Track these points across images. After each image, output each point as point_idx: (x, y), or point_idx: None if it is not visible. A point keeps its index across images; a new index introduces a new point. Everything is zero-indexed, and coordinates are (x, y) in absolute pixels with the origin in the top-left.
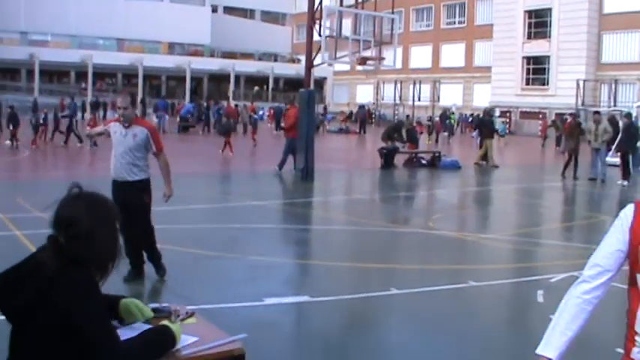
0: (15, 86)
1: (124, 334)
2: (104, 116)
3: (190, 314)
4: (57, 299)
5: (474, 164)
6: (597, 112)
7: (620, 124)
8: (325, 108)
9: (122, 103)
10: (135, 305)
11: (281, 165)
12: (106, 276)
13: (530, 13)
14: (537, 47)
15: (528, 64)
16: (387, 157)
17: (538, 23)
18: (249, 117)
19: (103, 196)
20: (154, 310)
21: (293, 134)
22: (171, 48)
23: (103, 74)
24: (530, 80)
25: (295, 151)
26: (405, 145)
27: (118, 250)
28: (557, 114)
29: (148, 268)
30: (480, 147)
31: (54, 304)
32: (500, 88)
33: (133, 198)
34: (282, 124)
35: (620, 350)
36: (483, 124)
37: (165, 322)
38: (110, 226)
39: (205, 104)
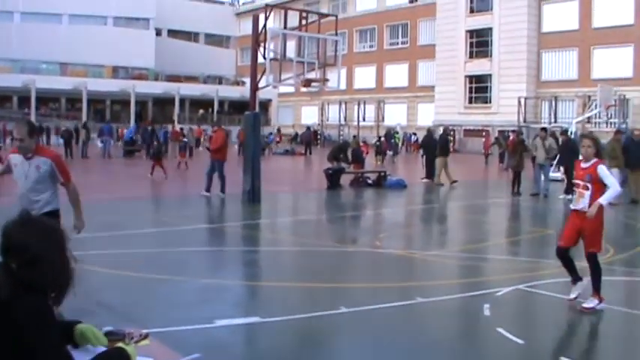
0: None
1: (79, 357)
2: (48, 141)
3: (144, 336)
4: (14, 324)
5: (435, 184)
6: (544, 129)
7: (560, 140)
8: (279, 130)
9: (18, 133)
10: (91, 332)
11: (208, 188)
12: (60, 301)
13: (472, 33)
14: (479, 66)
15: (471, 82)
16: (333, 178)
17: (479, 42)
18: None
19: (52, 221)
20: (109, 333)
21: (221, 157)
22: (115, 72)
23: (47, 99)
24: (473, 99)
25: (223, 175)
26: (350, 165)
27: (70, 274)
28: (499, 131)
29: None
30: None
31: (8, 329)
32: (444, 107)
33: None
34: (207, 146)
35: None
36: (439, 143)
37: (120, 345)
38: (61, 250)
39: (150, 128)
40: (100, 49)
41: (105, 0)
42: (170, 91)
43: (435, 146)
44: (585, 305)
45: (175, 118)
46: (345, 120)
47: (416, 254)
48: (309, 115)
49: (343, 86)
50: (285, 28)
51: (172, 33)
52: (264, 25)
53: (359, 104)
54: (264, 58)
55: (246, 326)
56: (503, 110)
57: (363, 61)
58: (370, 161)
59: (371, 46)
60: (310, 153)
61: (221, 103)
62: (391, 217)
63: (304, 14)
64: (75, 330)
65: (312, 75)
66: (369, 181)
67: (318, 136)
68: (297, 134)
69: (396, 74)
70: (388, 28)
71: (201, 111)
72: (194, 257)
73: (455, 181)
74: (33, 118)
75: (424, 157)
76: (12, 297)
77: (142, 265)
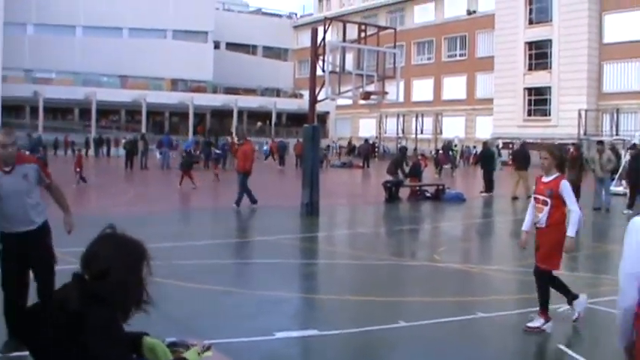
0: (19, 123)
1: None
2: (108, 153)
3: (207, 347)
4: (78, 336)
5: (512, 198)
6: (600, 142)
7: (623, 153)
8: (350, 142)
9: (8, 139)
10: (162, 348)
11: (249, 200)
12: (128, 316)
13: (531, 45)
14: (538, 78)
15: (530, 95)
16: (392, 191)
17: (539, 54)
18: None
19: (135, 239)
20: (172, 344)
21: (245, 169)
22: (175, 84)
23: (107, 111)
24: (532, 111)
25: (245, 188)
26: (407, 178)
27: (142, 292)
28: (559, 144)
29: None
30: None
31: (75, 340)
32: (503, 120)
33: (41, 246)
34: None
35: None
36: (518, 156)
37: (184, 355)
38: (136, 267)
39: (208, 140)
40: (160, 62)
41: (164, 14)
42: (228, 104)
43: (493, 159)
44: (530, 325)
45: (233, 130)
46: (403, 132)
47: (475, 268)
48: (367, 128)
49: (401, 99)
50: (343, 40)
51: (230, 46)
52: (323, 38)
53: (417, 117)
54: (323, 70)
55: (304, 339)
56: (563, 123)
57: (421, 73)
58: (428, 174)
59: (429, 59)
60: (368, 166)
61: (279, 115)
62: (450, 231)
63: (363, 27)
64: (143, 342)
65: (370, 87)
66: (428, 194)
67: (376, 149)
68: (354, 147)
69: (454, 86)
70: (446, 40)
71: (259, 123)
72: (254, 269)
73: (516, 198)
74: (93, 129)
75: (482, 170)
76: (82, 308)
77: (203, 276)
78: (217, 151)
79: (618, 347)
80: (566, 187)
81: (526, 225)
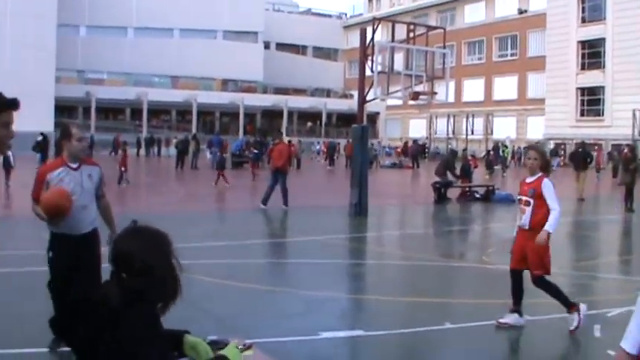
0: (72, 123)
1: None
2: (159, 153)
3: (248, 346)
4: (118, 333)
5: (578, 200)
6: None
7: None
8: (406, 143)
9: (81, 132)
10: (204, 348)
11: (265, 201)
12: (168, 309)
13: (584, 44)
14: (591, 78)
15: (582, 95)
16: (441, 192)
17: (592, 54)
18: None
19: (161, 231)
20: (213, 342)
21: (282, 169)
22: (225, 84)
23: (158, 111)
24: (585, 111)
25: (286, 188)
26: (458, 180)
27: (178, 282)
28: (613, 145)
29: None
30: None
31: (118, 339)
32: (555, 120)
33: (94, 250)
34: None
35: None
36: (579, 157)
37: (223, 352)
38: (169, 259)
39: (259, 139)
40: (210, 62)
41: (215, 14)
42: (278, 104)
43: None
44: (572, 327)
45: (283, 130)
46: (454, 133)
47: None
48: (417, 128)
49: (451, 99)
50: (392, 40)
51: (280, 46)
52: (372, 38)
53: (467, 117)
54: (372, 71)
55: (350, 339)
56: (617, 123)
57: (472, 73)
58: (478, 175)
59: (479, 59)
60: (418, 166)
61: (329, 115)
62: (499, 232)
63: (412, 27)
64: (185, 340)
65: (419, 87)
66: (477, 195)
67: (426, 149)
68: (405, 147)
69: (505, 87)
70: (497, 39)
71: (309, 123)
72: (300, 269)
73: (582, 199)
74: (144, 129)
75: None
76: (123, 305)
77: (248, 275)
78: (255, 151)
79: None
80: (547, 187)
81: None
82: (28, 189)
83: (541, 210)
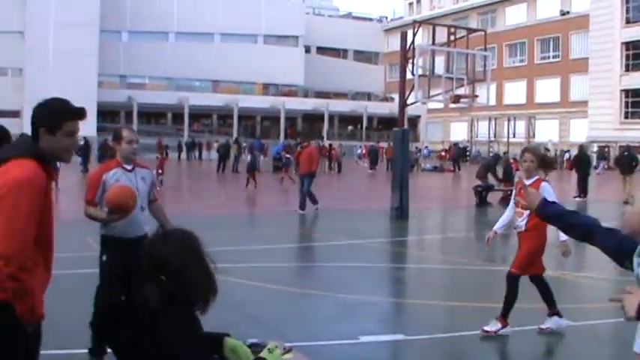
0: (114, 128)
1: None
2: (200, 156)
3: (288, 350)
4: (162, 336)
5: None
6: None
7: None
8: (455, 143)
9: (133, 135)
10: (244, 351)
11: (302, 205)
12: (207, 309)
13: (628, 45)
14: (636, 79)
15: (627, 97)
16: (482, 195)
17: (636, 55)
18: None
19: (190, 232)
20: (253, 345)
21: (309, 173)
22: (266, 88)
23: (199, 115)
24: (630, 114)
25: (310, 191)
26: (500, 183)
27: (214, 282)
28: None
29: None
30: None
31: (159, 341)
32: (598, 123)
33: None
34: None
35: None
36: (624, 161)
37: (263, 355)
38: (203, 259)
39: (299, 143)
40: (251, 66)
41: (255, 19)
42: (319, 108)
43: (589, 163)
44: (545, 326)
45: (324, 134)
46: (495, 136)
47: (567, 275)
48: (458, 131)
49: (493, 102)
50: (433, 43)
51: (321, 50)
52: (413, 41)
53: (509, 120)
54: (413, 74)
55: (390, 343)
56: None
57: (513, 76)
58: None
59: (521, 61)
60: (459, 169)
61: (370, 119)
62: None
63: (452, 29)
64: (225, 343)
65: (460, 91)
66: None
67: (468, 153)
68: (446, 150)
69: (548, 89)
70: (539, 41)
71: (350, 127)
72: (341, 272)
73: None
74: (186, 133)
75: (577, 174)
76: (162, 308)
77: (288, 278)
78: (287, 155)
79: None
80: (547, 190)
81: (498, 225)
82: (70, 193)
83: None
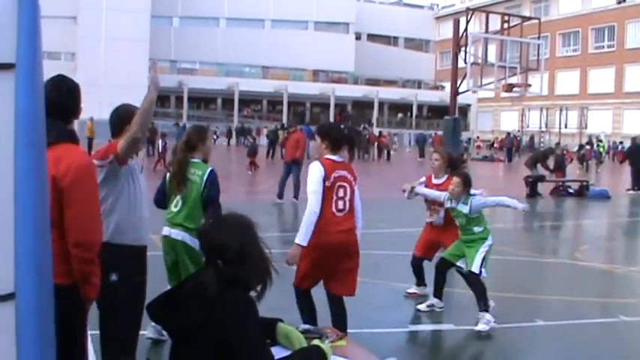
0: (165, 112)
1: (277, 352)
2: (245, 142)
3: (341, 337)
4: (218, 320)
5: None
6: None
7: None
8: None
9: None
10: (297, 337)
11: (280, 194)
12: (264, 294)
13: None
14: None
15: None
16: (533, 186)
17: None
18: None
19: (246, 217)
20: (306, 331)
21: (296, 160)
22: (316, 75)
23: (249, 101)
24: None
25: (299, 180)
26: (552, 173)
27: (270, 267)
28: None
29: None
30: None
31: (216, 325)
32: None
33: None
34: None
35: None
36: None
37: (316, 342)
38: (258, 243)
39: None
40: (301, 53)
41: (306, 5)
42: (369, 95)
43: None
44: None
45: (374, 121)
46: (546, 126)
47: (619, 269)
48: (509, 121)
49: (545, 92)
50: (486, 31)
51: (372, 37)
52: (465, 29)
53: (561, 110)
54: (465, 62)
55: (439, 332)
56: None
57: (566, 65)
58: (571, 170)
59: (574, 50)
60: (510, 160)
61: (419, 107)
62: (593, 229)
63: (506, 17)
64: (278, 329)
65: (513, 79)
66: (571, 191)
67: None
68: (495, 140)
69: (601, 79)
70: (593, 30)
71: (399, 115)
72: (390, 261)
73: None
74: (236, 119)
75: (631, 167)
76: (220, 293)
77: None
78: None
79: None
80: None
81: (416, 184)
82: None
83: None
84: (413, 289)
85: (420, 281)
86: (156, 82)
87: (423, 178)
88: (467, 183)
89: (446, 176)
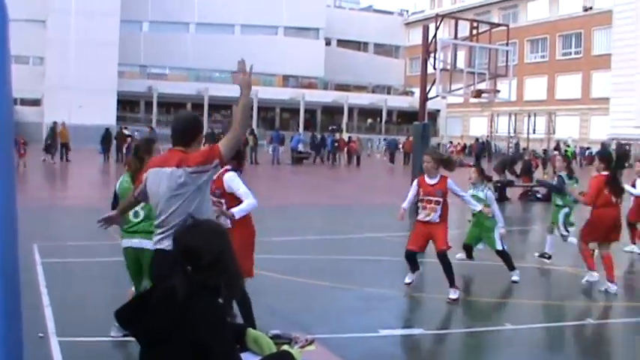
0: (134, 117)
1: (246, 358)
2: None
3: (310, 342)
4: (189, 324)
5: None
6: None
7: None
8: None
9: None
10: (267, 343)
11: None
12: (232, 300)
13: None
14: None
15: None
16: (501, 191)
17: None
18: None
19: (219, 223)
20: (275, 336)
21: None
22: (286, 80)
23: (219, 106)
24: None
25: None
26: (519, 178)
27: (240, 274)
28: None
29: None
30: None
31: (186, 329)
32: (620, 120)
33: None
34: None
35: None
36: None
37: (285, 348)
38: (231, 252)
39: (319, 136)
40: (271, 58)
41: (276, 11)
42: (339, 100)
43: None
44: (451, 296)
45: (344, 126)
46: (515, 132)
47: (585, 272)
48: (478, 127)
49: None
50: (455, 37)
51: (341, 42)
52: (435, 35)
53: (529, 116)
54: (434, 68)
55: (409, 337)
56: None
57: (534, 71)
58: (539, 175)
59: (542, 57)
60: (479, 165)
61: (389, 112)
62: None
63: (475, 24)
64: (247, 334)
65: (482, 85)
66: (539, 196)
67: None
68: (465, 145)
69: (569, 85)
70: (561, 37)
71: (369, 120)
72: (360, 266)
73: None
74: (205, 124)
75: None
76: (187, 298)
77: (309, 271)
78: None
79: None
80: (451, 183)
81: (406, 204)
82: (85, 179)
83: (446, 204)
84: (408, 279)
85: (414, 268)
86: (245, 83)
87: (415, 182)
88: (482, 173)
89: (439, 175)
